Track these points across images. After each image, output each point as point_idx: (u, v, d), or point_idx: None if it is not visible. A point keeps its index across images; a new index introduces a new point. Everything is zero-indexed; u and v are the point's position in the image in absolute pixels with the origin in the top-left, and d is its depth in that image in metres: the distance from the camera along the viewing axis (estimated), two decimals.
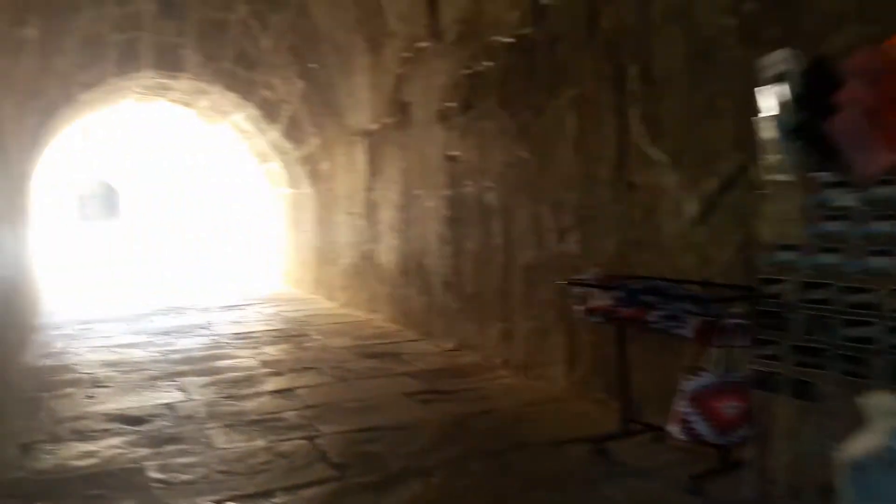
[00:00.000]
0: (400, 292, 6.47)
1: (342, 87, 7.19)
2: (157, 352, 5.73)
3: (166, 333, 6.60)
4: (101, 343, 6.18)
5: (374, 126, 6.70)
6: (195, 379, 4.79)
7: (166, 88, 8.87)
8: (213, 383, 4.67)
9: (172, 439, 3.56)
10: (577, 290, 3.78)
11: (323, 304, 8.20)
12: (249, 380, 4.74)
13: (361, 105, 6.90)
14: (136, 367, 5.20)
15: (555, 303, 4.31)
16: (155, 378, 4.83)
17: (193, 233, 20.83)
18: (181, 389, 4.52)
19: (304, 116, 8.05)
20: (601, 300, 3.46)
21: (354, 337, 6.18)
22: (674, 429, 2.99)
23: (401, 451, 3.34)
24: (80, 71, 7.23)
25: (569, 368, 4.27)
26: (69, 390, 4.54)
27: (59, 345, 6.12)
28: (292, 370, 4.99)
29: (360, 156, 7.11)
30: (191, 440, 3.54)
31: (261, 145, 9.55)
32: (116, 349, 5.89)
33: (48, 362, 5.42)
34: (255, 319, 7.30)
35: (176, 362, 5.32)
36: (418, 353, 5.46)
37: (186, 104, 9.78)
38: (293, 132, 8.43)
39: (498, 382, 4.60)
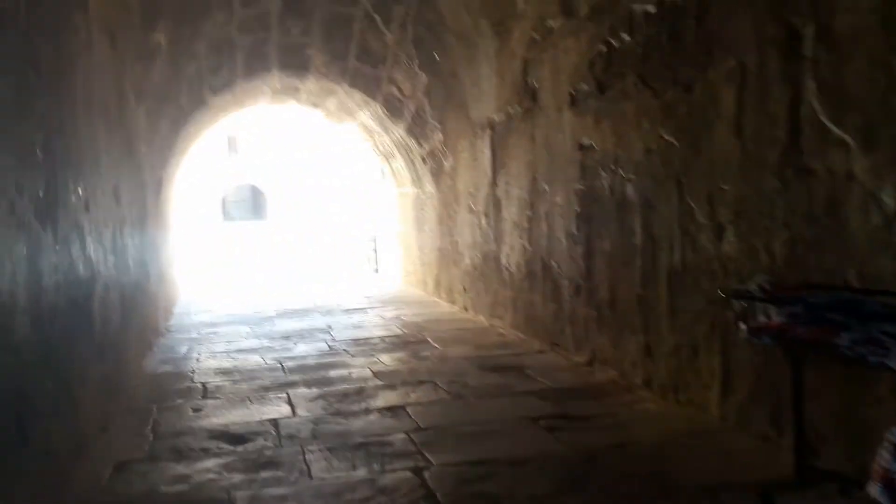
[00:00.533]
0: (525, 297, 5.93)
1: (466, 77, 6.75)
2: (274, 358, 5.53)
3: (286, 337, 6.44)
4: (222, 348, 6.10)
5: (499, 117, 6.20)
6: (305, 391, 4.49)
7: (295, 89, 8.84)
8: (322, 396, 4.35)
9: (270, 464, 3.23)
10: (738, 302, 3.09)
11: (444, 308, 7.81)
12: (360, 393, 4.38)
13: (486, 95, 6.42)
14: (249, 375, 5.00)
15: (707, 313, 3.62)
16: (266, 389, 4.59)
17: (325, 233, 21.27)
18: (289, 403, 4.23)
19: (428, 111, 7.68)
20: (771, 316, 2.76)
21: (475, 346, 5.71)
22: (875, 488, 2.27)
23: (520, 494, 2.81)
24: (210, 75, 7.26)
25: (724, 393, 3.57)
26: (179, 401, 4.37)
27: (182, 349, 6.09)
28: (406, 383, 4.58)
29: (483, 150, 6.63)
30: (288, 466, 3.20)
31: (385, 143, 9.33)
32: (235, 355, 5.76)
33: (167, 369, 5.35)
34: (375, 324, 7.01)
35: (290, 371, 5.08)
36: (545, 366, 4.89)
37: (315, 104, 9.75)
38: (416, 128, 8.10)
39: (637, 407, 3.95)
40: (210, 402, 4.33)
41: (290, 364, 5.28)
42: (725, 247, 3.47)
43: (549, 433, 3.55)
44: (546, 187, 5.41)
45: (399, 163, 9.32)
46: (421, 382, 4.59)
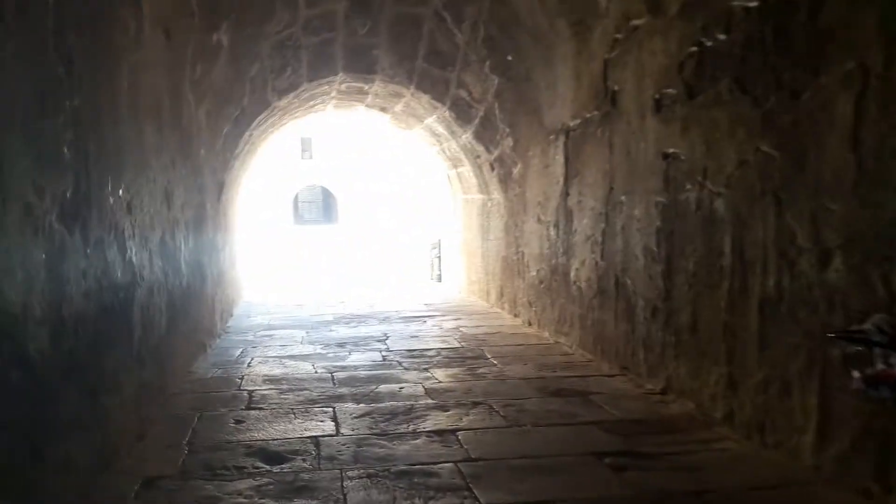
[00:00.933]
0: (594, 315, 5.51)
1: (540, 80, 6.39)
2: (325, 367, 5.30)
3: (341, 345, 6.21)
4: (275, 353, 5.91)
5: (575, 122, 5.81)
6: (352, 406, 4.21)
7: (362, 93, 8.66)
8: (369, 413, 4.06)
9: (304, 489, 2.96)
10: (849, 345, 2.64)
11: (506, 321, 7.44)
12: (409, 413, 4.07)
13: (561, 98, 6.05)
14: (297, 385, 4.77)
15: (804, 347, 3.17)
16: (312, 402, 4.33)
17: (391, 237, 21.19)
18: (334, 419, 3.96)
19: (497, 116, 7.35)
20: (893, 364, 2.32)
21: (537, 365, 5.33)
22: None
23: None
24: (274, 76, 7.12)
25: (820, 439, 3.10)
26: (222, 410, 4.16)
27: (235, 353, 5.93)
28: (459, 404, 4.25)
29: (556, 157, 6.25)
30: (323, 494, 2.91)
31: (452, 149, 9.05)
32: (287, 361, 5.56)
33: (216, 373, 5.18)
34: (433, 335, 6.71)
35: (339, 382, 4.82)
36: (613, 393, 4.48)
37: (382, 109, 9.56)
38: (485, 133, 7.78)
39: (716, 446, 3.51)
40: (253, 412, 4.10)
41: (340, 375, 5.03)
42: (831, 275, 3.01)
43: (615, 473, 3.16)
44: (623, 199, 5.00)
45: (466, 168, 9.01)
46: (475, 404, 4.24)
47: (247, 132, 7.51)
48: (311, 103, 8.90)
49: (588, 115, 5.55)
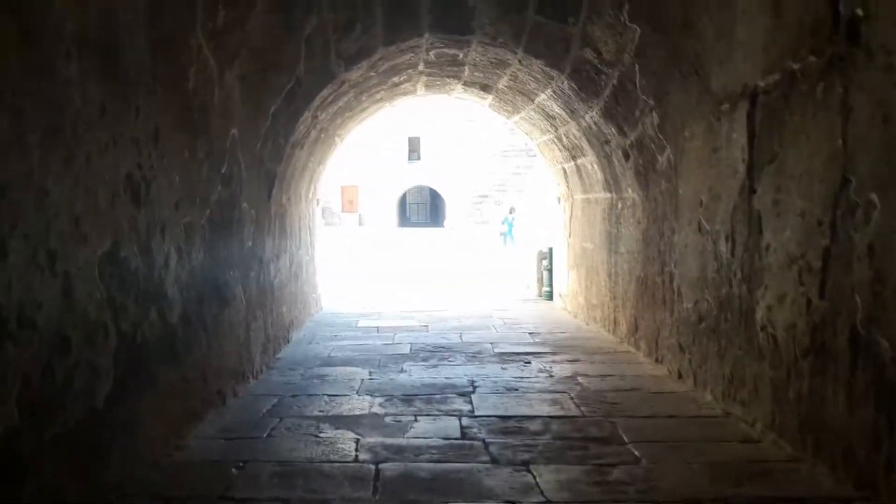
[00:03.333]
0: (803, 385, 3.42)
1: (706, 25, 4.33)
2: (373, 447, 3.50)
3: (408, 400, 4.41)
4: (316, 410, 4.21)
5: (769, 80, 3.73)
6: None
7: (456, 63, 6.84)
8: None
9: None
10: None
11: (644, 368, 5.39)
12: None
13: (743, 48, 3.98)
14: (322, 488, 2.99)
15: None
16: None
17: (497, 245, 19.40)
18: None
19: (637, 82, 5.30)
20: None
21: (706, 464, 3.29)
22: None
23: None
24: (338, 37, 5.42)
25: None
26: None
27: (262, 408, 4.26)
28: None
29: (731, 136, 4.18)
30: None
31: (570, 134, 7.07)
32: (326, 429, 3.83)
33: (213, 453, 3.48)
34: (538, 387, 4.77)
35: (385, 485, 3.00)
36: None
37: (483, 87, 7.72)
38: (618, 109, 5.75)
39: None
40: None
41: (390, 468, 3.21)
42: None
43: None
44: (873, 199, 2.90)
45: (587, 160, 7.01)
46: None
47: (306, 112, 5.85)
48: (395, 80, 7.17)
49: (796, 66, 3.45)
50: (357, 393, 4.60)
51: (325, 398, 4.47)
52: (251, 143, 4.95)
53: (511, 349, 6.12)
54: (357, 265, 15.98)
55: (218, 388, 4.15)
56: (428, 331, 7.08)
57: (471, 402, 4.35)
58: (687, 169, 4.88)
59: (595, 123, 6.18)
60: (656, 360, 5.45)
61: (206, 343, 3.91)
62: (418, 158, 42.95)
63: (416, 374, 5.15)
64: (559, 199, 8.84)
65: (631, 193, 6.05)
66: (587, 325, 7.45)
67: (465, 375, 5.11)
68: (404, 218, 45.47)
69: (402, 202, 45.33)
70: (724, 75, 4.20)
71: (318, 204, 8.69)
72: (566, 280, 8.62)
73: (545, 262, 9.67)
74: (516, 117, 8.31)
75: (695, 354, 4.74)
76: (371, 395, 4.52)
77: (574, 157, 7.44)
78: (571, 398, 4.49)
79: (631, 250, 6.08)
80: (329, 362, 5.62)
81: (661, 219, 5.35)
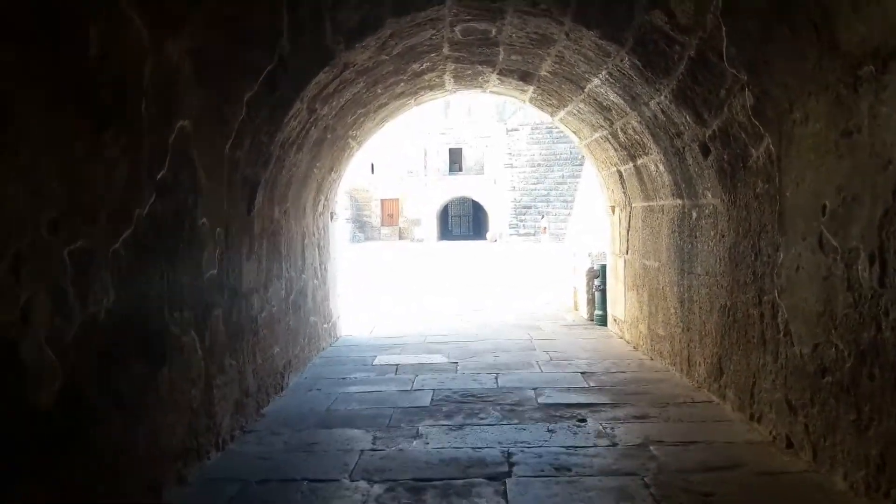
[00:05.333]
0: None
1: None
2: None
3: (417, 491, 3.19)
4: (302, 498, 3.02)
5: None
6: None
7: (488, 42, 5.63)
8: None
9: None
10: None
11: (736, 429, 4.05)
12: None
13: None
14: None
15: None
16: None
17: (548, 258, 18.17)
18: None
19: (725, 51, 4.00)
20: None
21: None
22: None
23: None
24: (333, 2, 4.27)
25: None
26: None
27: (220, 501, 3.08)
28: None
29: (878, 112, 2.87)
30: None
31: (630, 128, 5.78)
32: None
33: None
34: (599, 464, 3.48)
35: None
36: None
37: (523, 76, 6.50)
38: (695, 90, 4.44)
39: None
40: None
41: None
42: None
43: None
44: None
45: (650, 159, 5.72)
46: None
47: (297, 102, 4.71)
48: (415, 67, 5.99)
49: None
50: (350, 476, 3.39)
51: (305, 487, 3.28)
52: (215, 140, 3.82)
53: (559, 398, 4.84)
54: (392, 281, 14.85)
55: (151, 478, 2.99)
56: (457, 370, 5.85)
57: (505, 496, 3.10)
58: (797, 163, 3.56)
59: (663, 111, 4.89)
60: (751, 418, 4.10)
61: (120, 423, 2.75)
62: (460, 170, 41.86)
63: (434, 441, 3.92)
64: (613, 207, 7.53)
65: (710, 199, 4.73)
66: (651, 360, 6.11)
67: (500, 443, 3.86)
68: (446, 230, 44.32)
69: (444, 214, 44.22)
70: (865, 24, 2.89)
71: (333, 219, 7.55)
72: (622, 303, 7.29)
73: (597, 282, 8.34)
74: (562, 113, 7.05)
75: (815, 419, 3.41)
76: (368, 481, 3.31)
77: (633, 158, 6.15)
78: (646, 485, 3.20)
79: (712, 271, 4.75)
80: (326, 421, 4.44)
81: (757, 232, 4.02)
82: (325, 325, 6.99)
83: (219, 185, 3.92)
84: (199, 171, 3.60)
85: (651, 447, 3.76)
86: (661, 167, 5.49)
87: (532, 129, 39.71)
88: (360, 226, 41.02)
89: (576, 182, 35.94)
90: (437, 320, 8.96)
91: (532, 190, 36.91)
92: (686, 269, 5.27)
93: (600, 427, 4.14)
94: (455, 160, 41.87)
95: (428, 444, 3.91)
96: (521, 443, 3.87)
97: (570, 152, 37.51)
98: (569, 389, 5.10)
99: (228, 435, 3.97)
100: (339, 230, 8.49)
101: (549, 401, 4.78)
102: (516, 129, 39.78)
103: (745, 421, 4.16)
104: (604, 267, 8.23)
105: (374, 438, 4.02)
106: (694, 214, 5.07)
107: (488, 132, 40.28)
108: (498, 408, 4.62)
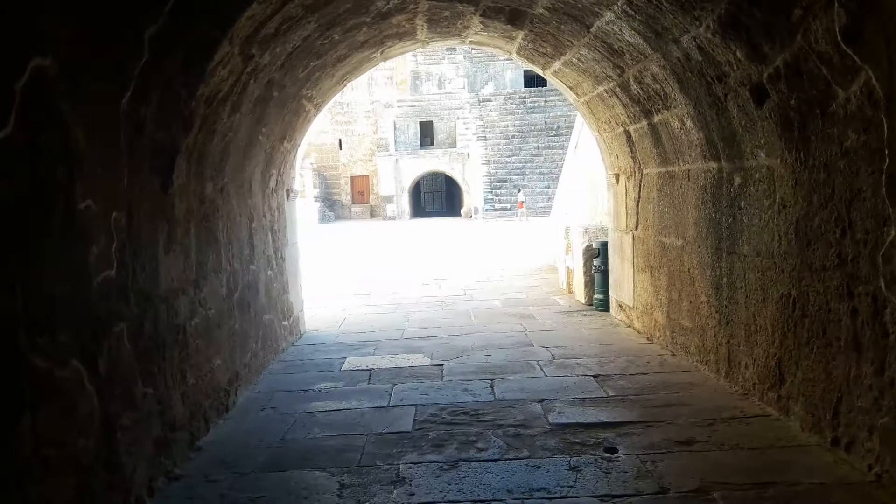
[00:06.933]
0: None
1: None
2: None
3: None
4: None
5: None
6: None
7: None
8: None
9: None
10: None
11: (815, 458, 3.09)
12: None
13: None
14: None
15: None
16: None
17: (535, 234, 17.27)
18: None
19: None
20: None
21: None
22: None
23: None
24: None
25: None
26: None
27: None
28: None
29: None
30: None
31: (648, 78, 4.75)
32: None
33: None
34: None
35: None
36: None
37: (512, 18, 5.42)
38: (754, 14, 3.41)
39: None
40: None
41: None
42: None
43: None
44: None
45: (674, 112, 4.70)
46: None
47: (224, 42, 3.59)
48: (381, 4, 4.87)
49: None
50: None
51: None
52: (103, 90, 2.71)
53: (575, 415, 3.85)
54: (364, 264, 13.76)
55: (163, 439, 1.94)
56: (442, 376, 4.83)
57: None
58: None
59: (700, 48, 3.85)
60: (835, 443, 3.15)
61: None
62: (431, 144, 40.58)
63: (421, 491, 2.92)
64: (617, 175, 6.51)
65: (763, 159, 3.73)
66: (673, 355, 5.15)
67: (509, 491, 2.87)
68: (418, 208, 43.06)
69: (416, 191, 42.95)
70: None
71: (290, 196, 6.43)
72: (630, 287, 6.31)
73: (596, 262, 7.35)
74: (556, 63, 5.99)
75: None
76: None
77: (648, 114, 5.12)
78: None
79: (766, 251, 3.76)
80: (279, 457, 3.40)
81: (846, 200, 3.03)
82: (285, 323, 5.91)
83: (113, 153, 2.82)
84: (76, 133, 2.50)
85: (714, 493, 2.79)
86: (689, 122, 4.48)
87: (505, 98, 38.52)
88: (330, 204, 39.64)
89: (552, 153, 34.92)
90: (416, 310, 7.92)
91: (507, 163, 35.83)
92: (725, 247, 4.28)
93: (638, 461, 3.16)
94: (426, 134, 40.58)
95: (413, 495, 2.89)
96: (538, 491, 2.87)
97: (546, 122, 36.44)
98: (584, 401, 4.10)
99: (144, 489, 2.91)
100: (299, 210, 7.36)
101: (563, 419, 3.79)
102: (489, 100, 38.60)
103: (824, 446, 3.21)
104: (604, 244, 7.24)
105: (341, 487, 2.99)
106: (737, 180, 4.07)
107: (459, 103, 39.04)
108: (500, 432, 3.61)
